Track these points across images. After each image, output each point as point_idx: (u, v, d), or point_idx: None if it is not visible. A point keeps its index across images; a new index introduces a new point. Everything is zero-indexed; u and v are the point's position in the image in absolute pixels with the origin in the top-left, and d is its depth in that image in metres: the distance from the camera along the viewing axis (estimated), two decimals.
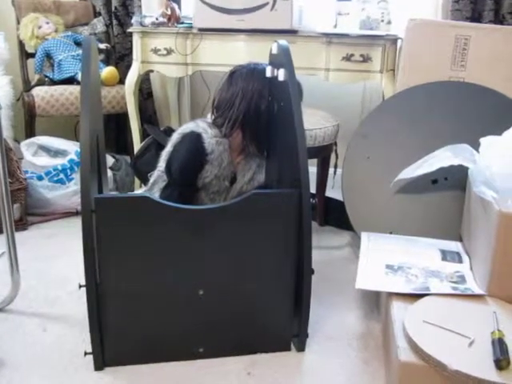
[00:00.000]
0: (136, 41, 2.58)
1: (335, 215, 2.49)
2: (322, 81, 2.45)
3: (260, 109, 1.71)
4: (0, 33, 1.52)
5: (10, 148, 2.52)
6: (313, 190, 2.06)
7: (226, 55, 2.48)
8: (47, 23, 3.02)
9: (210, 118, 1.84)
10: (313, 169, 2.11)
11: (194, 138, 1.69)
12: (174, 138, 1.77)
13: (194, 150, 1.68)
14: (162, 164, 1.80)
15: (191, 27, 2.49)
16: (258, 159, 1.81)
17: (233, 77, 1.76)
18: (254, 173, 1.79)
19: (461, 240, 1.91)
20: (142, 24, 2.55)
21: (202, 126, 1.73)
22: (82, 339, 1.60)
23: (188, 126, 1.76)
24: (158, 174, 1.82)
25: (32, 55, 3.07)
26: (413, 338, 1.32)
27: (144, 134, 2.72)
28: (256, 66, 1.76)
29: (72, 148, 2.70)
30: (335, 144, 2.39)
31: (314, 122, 2.25)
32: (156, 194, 1.78)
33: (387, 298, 1.61)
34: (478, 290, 1.56)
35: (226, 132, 1.73)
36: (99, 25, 3.12)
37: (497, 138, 1.68)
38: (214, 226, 1.46)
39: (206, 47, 2.49)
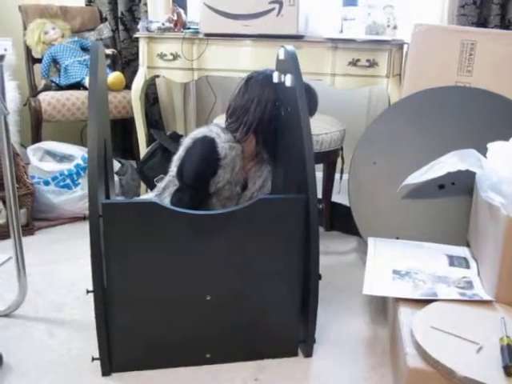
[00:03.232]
0: (142, 46, 2.60)
1: (341, 220, 2.49)
2: (328, 86, 2.45)
3: (274, 115, 1.72)
4: (8, 38, 1.52)
5: (16, 153, 2.53)
6: (319, 195, 2.06)
7: (232, 60, 2.49)
8: (54, 29, 3.04)
9: (223, 123, 1.83)
10: (319, 174, 2.11)
11: (208, 143, 1.68)
12: (186, 142, 1.76)
13: (207, 155, 1.68)
14: (173, 169, 1.80)
15: (197, 32, 2.50)
16: (269, 166, 1.81)
17: (249, 83, 1.76)
18: (265, 180, 1.79)
19: (468, 245, 1.90)
20: (148, 29, 2.57)
21: (216, 130, 1.73)
22: (90, 344, 1.59)
23: (200, 131, 1.75)
24: (169, 178, 1.81)
25: (38, 60, 3.09)
26: (421, 344, 1.32)
27: (150, 139, 2.73)
28: (273, 73, 1.76)
29: (78, 153, 2.71)
30: (341, 149, 2.39)
31: (321, 127, 2.26)
32: (167, 199, 1.77)
33: (394, 304, 1.60)
34: (485, 296, 1.55)
35: (239, 137, 1.73)
36: (105, 30, 3.13)
37: (504, 143, 1.68)
38: (220, 231, 1.46)
39: (212, 52, 2.50)
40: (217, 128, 1.75)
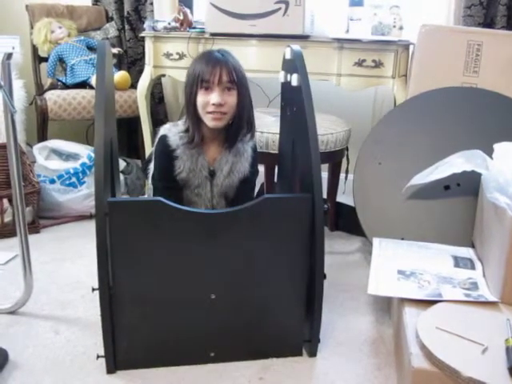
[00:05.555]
0: (148, 45, 2.60)
1: (346, 220, 2.49)
2: (334, 86, 2.45)
3: (190, 94, 1.66)
4: (15, 37, 1.53)
5: (22, 151, 2.54)
6: (324, 195, 2.05)
7: None
8: (60, 28, 3.05)
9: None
10: (324, 174, 2.11)
11: (161, 140, 1.72)
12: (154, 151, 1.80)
13: (163, 151, 1.71)
14: (149, 177, 1.84)
15: (203, 32, 2.51)
16: (235, 150, 1.75)
17: None
18: (233, 164, 1.75)
19: (473, 246, 1.90)
20: (154, 29, 2.58)
21: (168, 127, 1.77)
22: (95, 342, 1.60)
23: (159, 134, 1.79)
24: (149, 186, 1.85)
25: (45, 59, 3.10)
26: (426, 345, 1.32)
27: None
28: (205, 51, 1.72)
29: (84, 152, 2.72)
30: (347, 149, 2.40)
31: (326, 127, 2.26)
32: None
33: (399, 304, 1.60)
34: (491, 297, 1.55)
35: (187, 125, 1.72)
36: (111, 29, 3.14)
37: (510, 144, 1.67)
38: (226, 230, 1.46)
39: None
40: (169, 124, 1.79)
